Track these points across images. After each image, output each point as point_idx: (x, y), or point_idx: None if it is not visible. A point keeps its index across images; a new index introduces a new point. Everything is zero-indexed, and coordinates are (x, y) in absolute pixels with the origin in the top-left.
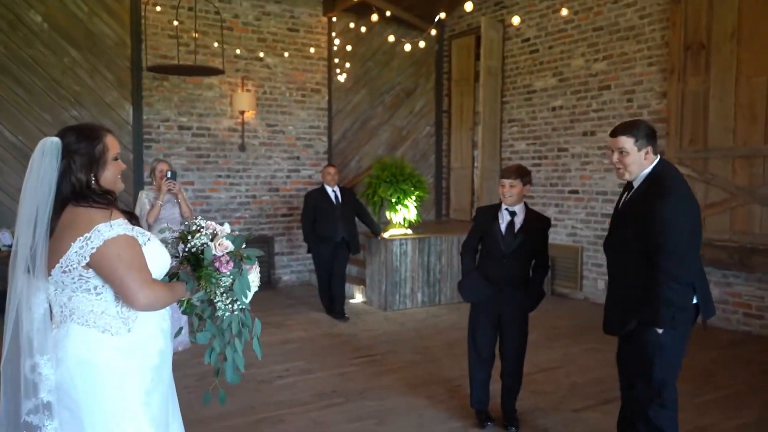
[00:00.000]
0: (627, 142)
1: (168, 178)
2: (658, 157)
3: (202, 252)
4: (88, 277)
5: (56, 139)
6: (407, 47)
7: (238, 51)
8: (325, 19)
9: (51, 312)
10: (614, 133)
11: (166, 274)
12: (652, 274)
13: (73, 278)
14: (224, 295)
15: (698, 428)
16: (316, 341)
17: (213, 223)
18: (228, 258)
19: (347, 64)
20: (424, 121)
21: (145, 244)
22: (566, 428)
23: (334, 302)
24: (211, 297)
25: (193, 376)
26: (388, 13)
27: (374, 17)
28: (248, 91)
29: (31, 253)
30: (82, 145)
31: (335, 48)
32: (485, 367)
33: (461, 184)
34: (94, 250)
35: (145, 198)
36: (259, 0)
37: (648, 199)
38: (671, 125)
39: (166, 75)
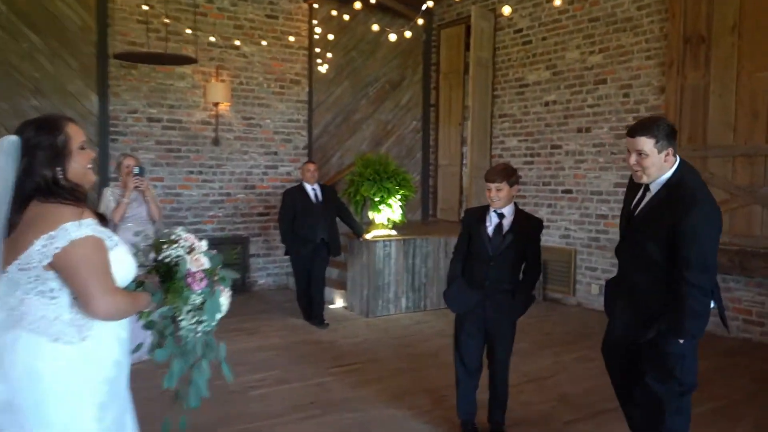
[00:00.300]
0: (647, 143)
1: (135, 175)
2: (678, 158)
3: (176, 264)
4: (47, 279)
5: (14, 138)
6: (392, 37)
7: (212, 38)
8: (305, 6)
9: None
10: (633, 133)
11: (132, 281)
12: (678, 286)
13: (29, 278)
14: (190, 313)
15: None
16: (292, 349)
17: (192, 236)
18: (202, 275)
19: (329, 54)
20: (411, 116)
21: (111, 249)
22: None
23: (312, 307)
24: (176, 314)
25: (155, 388)
26: (372, 1)
27: (358, 4)
28: (223, 81)
29: None
30: (42, 138)
31: (316, 37)
32: (472, 377)
33: (449, 182)
34: (58, 250)
35: (110, 195)
36: None
37: (674, 209)
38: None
39: (135, 63)
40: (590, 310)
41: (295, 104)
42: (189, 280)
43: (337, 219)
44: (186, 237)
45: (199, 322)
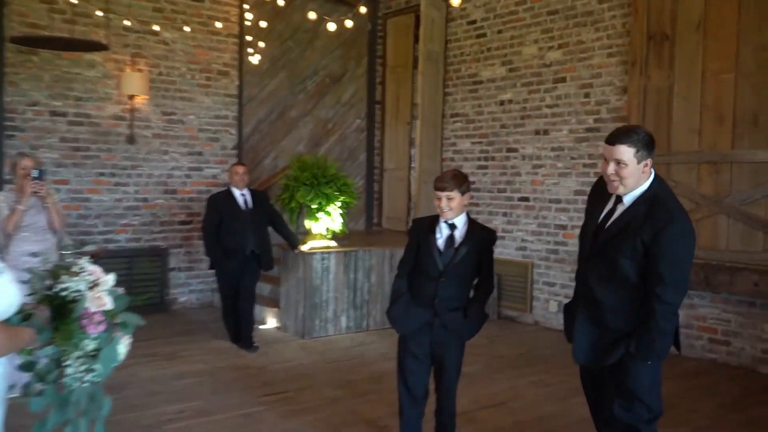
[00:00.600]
0: (627, 152)
1: (34, 178)
2: (653, 172)
3: (74, 300)
4: None
5: None
6: (331, 26)
7: (127, 22)
8: None
9: None
10: (612, 141)
11: (17, 312)
12: (649, 303)
13: None
14: (80, 360)
15: None
16: (217, 375)
17: (99, 270)
18: (101, 318)
19: (261, 43)
20: (354, 113)
21: None
22: None
23: (240, 328)
24: (63, 357)
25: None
26: None
27: None
28: (139, 71)
29: None
30: None
31: (248, 23)
32: (417, 404)
33: (396, 188)
34: None
35: (2, 202)
36: None
37: (653, 224)
38: (632, 124)
39: (35, 48)
40: (548, 329)
41: (222, 98)
42: (85, 321)
43: (270, 228)
44: (91, 270)
45: (89, 371)
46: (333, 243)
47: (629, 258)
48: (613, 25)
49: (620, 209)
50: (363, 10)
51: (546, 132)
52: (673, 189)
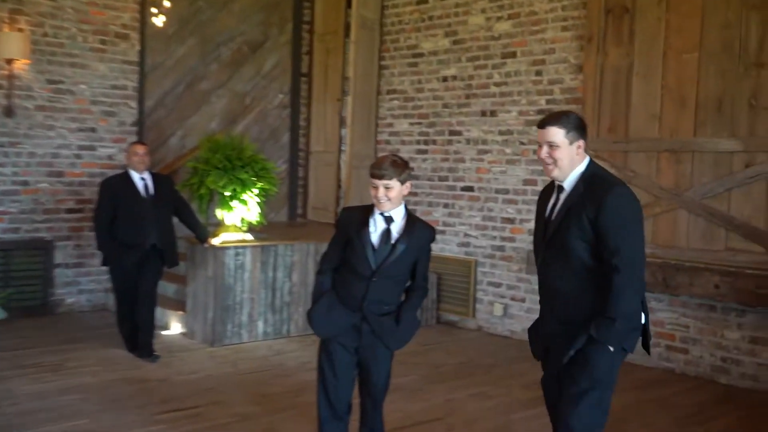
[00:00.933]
0: (558, 133)
1: None
2: (588, 157)
3: None
4: None
5: None
6: None
7: None
8: None
9: None
10: (543, 124)
11: None
12: (609, 280)
13: None
14: None
15: None
16: (109, 390)
17: None
18: None
19: (167, 2)
20: (276, 87)
21: None
22: None
23: (138, 334)
24: None
25: None
26: None
27: None
28: (20, 30)
29: None
30: None
31: None
32: (340, 420)
33: (324, 173)
34: None
35: None
36: None
37: (592, 199)
38: (587, 107)
39: None
40: (492, 335)
41: (120, 66)
42: None
43: (175, 219)
44: None
45: None
46: (249, 236)
47: (579, 238)
48: None
49: (563, 196)
50: None
51: (493, 113)
52: (631, 180)
